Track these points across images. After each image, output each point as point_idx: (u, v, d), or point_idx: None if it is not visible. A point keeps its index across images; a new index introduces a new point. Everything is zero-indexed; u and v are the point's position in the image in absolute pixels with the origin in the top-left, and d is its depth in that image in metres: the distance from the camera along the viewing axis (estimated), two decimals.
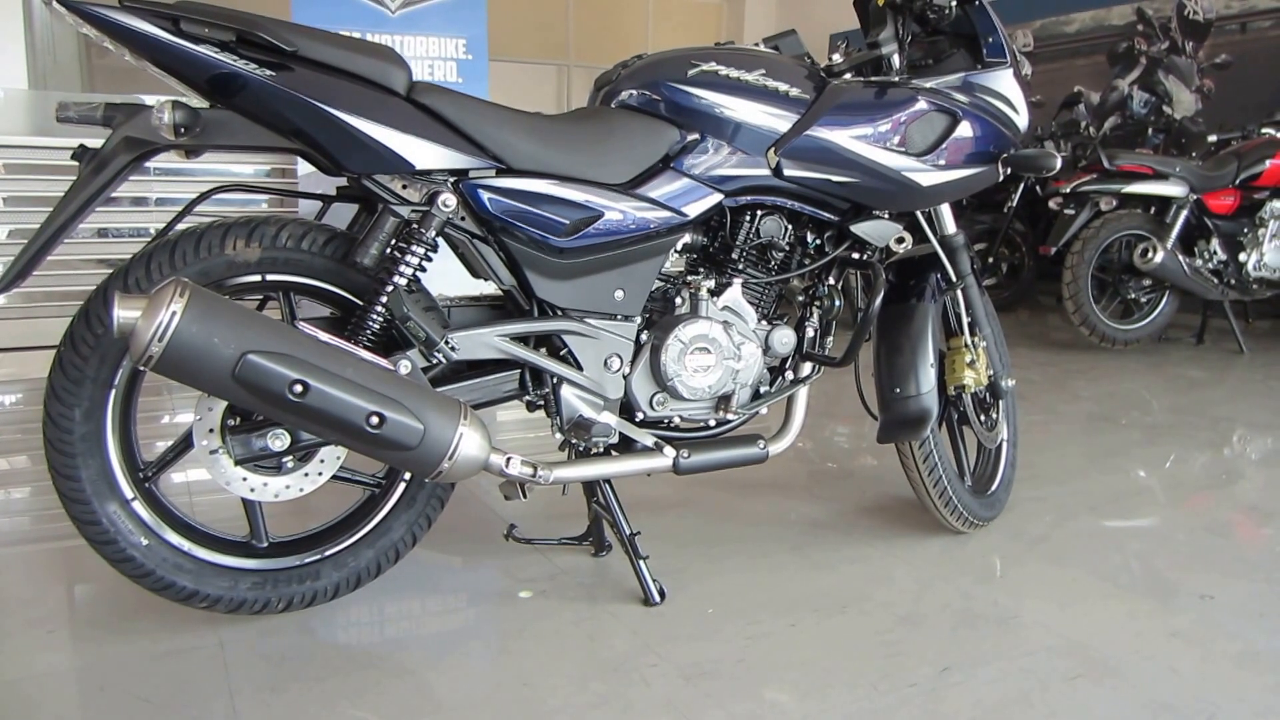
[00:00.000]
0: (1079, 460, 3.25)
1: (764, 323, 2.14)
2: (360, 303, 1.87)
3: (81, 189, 1.66)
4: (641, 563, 2.08)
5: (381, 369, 1.67)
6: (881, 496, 2.82)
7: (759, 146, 2.01)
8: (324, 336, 1.65)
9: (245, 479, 1.82)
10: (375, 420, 1.62)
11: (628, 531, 2.08)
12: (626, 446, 2.04)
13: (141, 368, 1.52)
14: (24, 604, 2.05)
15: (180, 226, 1.82)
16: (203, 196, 1.88)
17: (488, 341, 1.88)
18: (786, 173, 2.01)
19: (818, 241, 2.20)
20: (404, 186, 1.82)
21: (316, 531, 2.00)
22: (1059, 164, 2.16)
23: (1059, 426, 3.70)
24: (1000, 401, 2.53)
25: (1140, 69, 5.90)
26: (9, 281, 1.66)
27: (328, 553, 1.97)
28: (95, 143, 1.71)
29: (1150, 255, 4.90)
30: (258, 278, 1.82)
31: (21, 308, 4.45)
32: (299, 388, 1.57)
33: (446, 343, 1.80)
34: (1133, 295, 5.18)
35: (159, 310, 1.50)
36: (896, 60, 2.18)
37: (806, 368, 2.21)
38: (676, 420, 2.09)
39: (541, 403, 1.98)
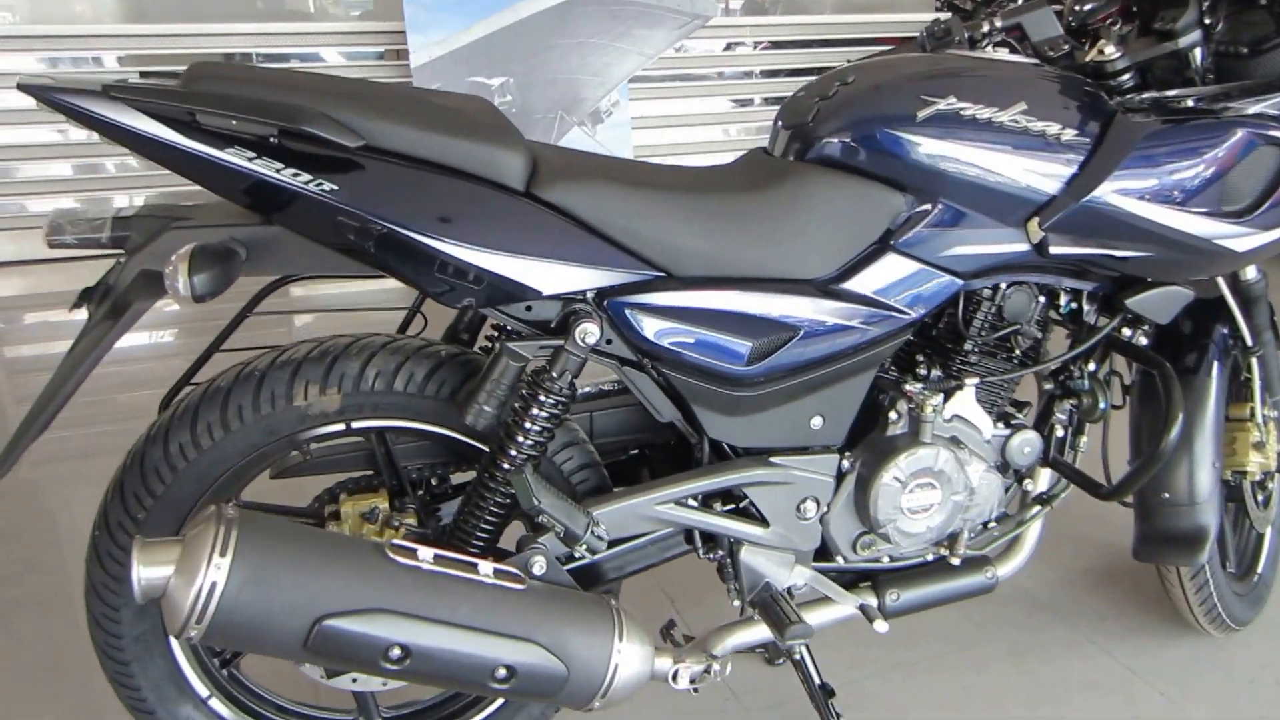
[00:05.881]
0: None
1: (1000, 425, 1.60)
2: (478, 445, 1.41)
3: (91, 347, 1.21)
4: None
5: (505, 595, 1.23)
6: (1109, 563, 2.31)
7: (1015, 215, 1.43)
8: (425, 561, 1.21)
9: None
10: (503, 674, 1.20)
11: (818, 682, 1.64)
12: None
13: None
14: None
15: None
16: (256, 299, 1.44)
17: (645, 514, 1.41)
18: (1053, 250, 1.43)
19: (1074, 312, 1.62)
20: (528, 308, 1.33)
21: (438, 700, 1.61)
22: None
23: None
24: None
25: None
26: (6, 466, 1.25)
27: None
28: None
29: None
30: (341, 426, 1.37)
31: None
32: (397, 652, 1.15)
33: (592, 531, 1.34)
34: None
35: (195, 575, 1.07)
36: (1199, 55, 1.54)
37: (1046, 476, 1.68)
38: (884, 560, 1.61)
39: (714, 559, 1.52)
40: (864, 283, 1.42)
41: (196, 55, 4.55)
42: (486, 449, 1.42)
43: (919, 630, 2.02)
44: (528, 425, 1.32)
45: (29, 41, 4.34)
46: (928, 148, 1.39)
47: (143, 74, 1.26)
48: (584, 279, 1.30)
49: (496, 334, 1.52)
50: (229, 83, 1.17)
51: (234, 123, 1.14)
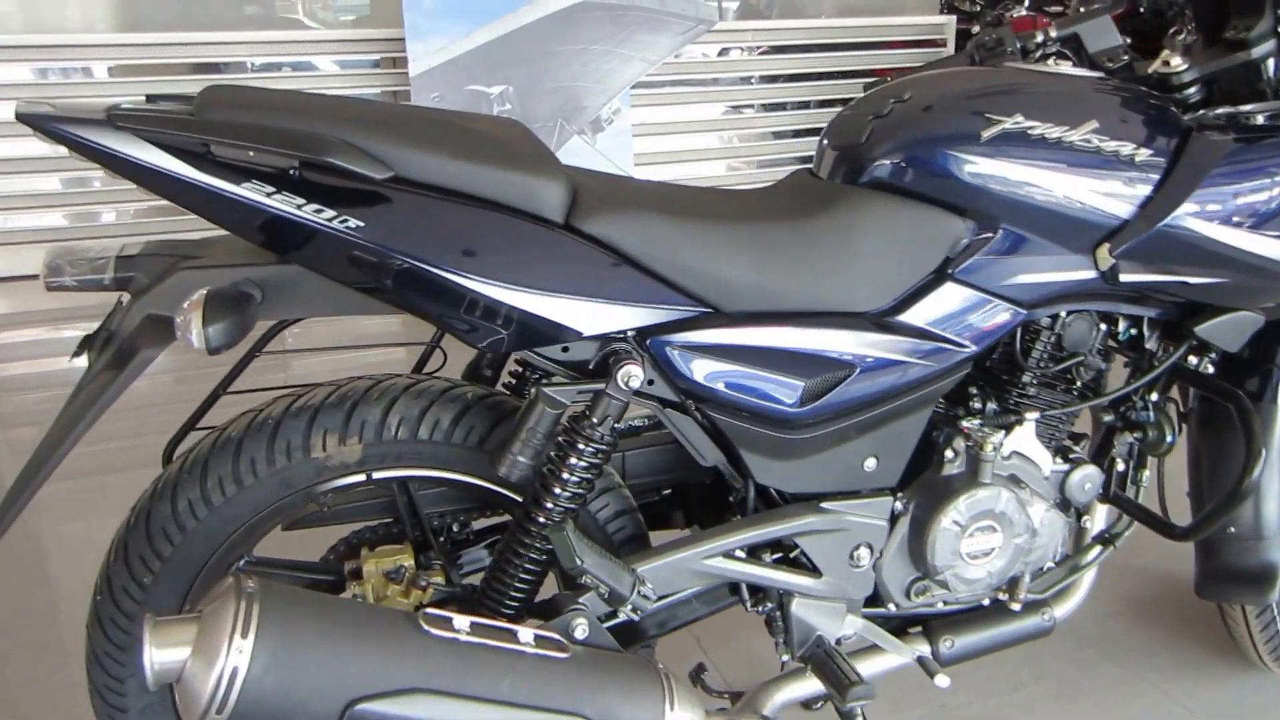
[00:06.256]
0: None
1: (1058, 460, 1.50)
2: (508, 494, 1.32)
3: (93, 399, 1.11)
4: None
5: (548, 666, 1.13)
6: (1151, 592, 2.22)
7: (1083, 241, 1.34)
8: (463, 632, 1.10)
9: None
10: None
11: None
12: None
13: None
14: None
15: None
16: (265, 338, 1.35)
17: (693, 569, 1.31)
18: (1124, 277, 1.34)
19: (1133, 339, 1.53)
20: (564, 349, 1.23)
21: None
22: None
23: None
24: None
25: None
26: (2, 526, 1.14)
27: None
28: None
29: None
30: (361, 477, 1.27)
31: None
32: None
33: (638, 590, 1.23)
34: None
35: (214, 659, 0.97)
36: (1271, 66, 1.45)
37: (1103, 513, 1.58)
38: (938, 605, 1.51)
39: (761, 611, 1.43)
40: (921, 314, 1.33)
41: (188, 65, 4.44)
42: (517, 497, 1.32)
43: (964, 670, 1.92)
44: (565, 476, 1.22)
45: (16, 51, 4.22)
46: (992, 169, 1.29)
47: (149, 98, 1.16)
48: (627, 318, 1.20)
49: (523, 371, 1.43)
50: (245, 109, 1.07)
51: (251, 154, 1.04)
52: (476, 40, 4.28)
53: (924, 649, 1.50)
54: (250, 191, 1.06)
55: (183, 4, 4.58)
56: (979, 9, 5.67)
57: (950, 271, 1.33)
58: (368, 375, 1.32)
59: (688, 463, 1.44)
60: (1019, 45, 1.57)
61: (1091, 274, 1.35)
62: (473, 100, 4.45)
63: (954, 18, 5.65)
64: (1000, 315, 1.35)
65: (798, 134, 5.64)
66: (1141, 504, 1.56)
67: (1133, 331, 1.53)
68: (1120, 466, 1.57)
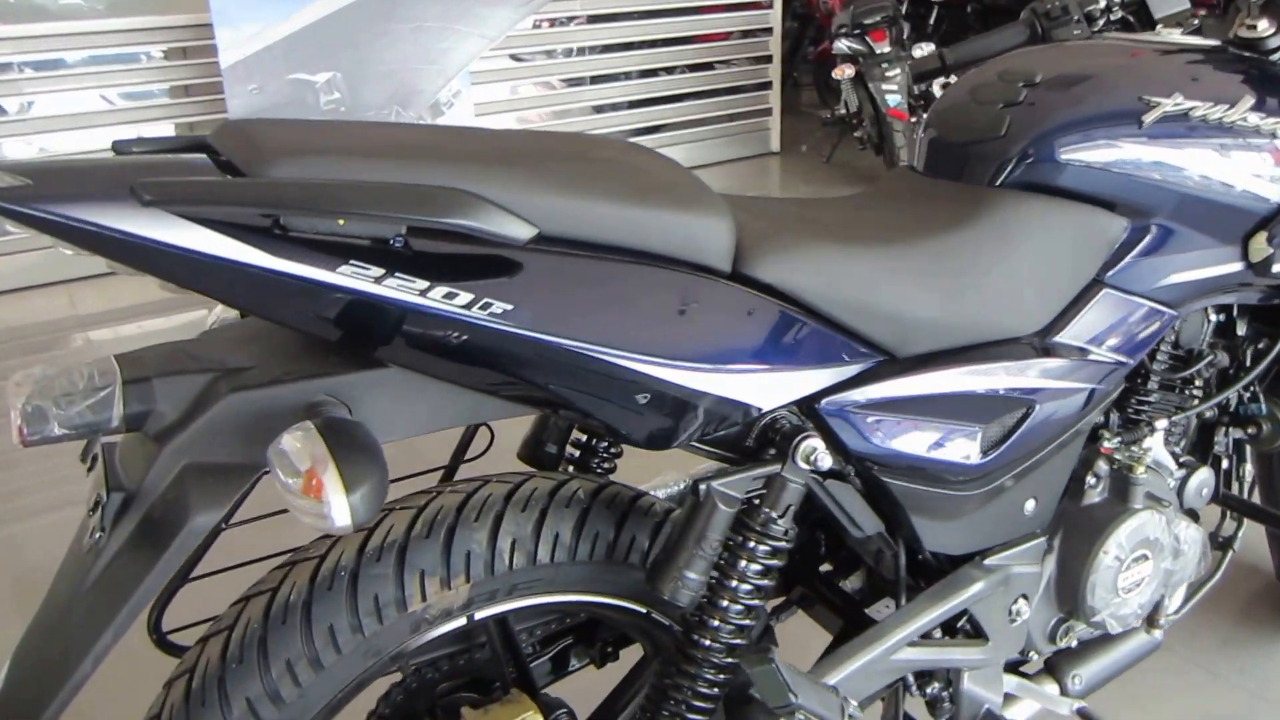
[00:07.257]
0: None
1: (1178, 468, 1.38)
2: (633, 607, 1.05)
3: (128, 589, 0.76)
4: None
5: None
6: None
7: (1236, 232, 1.20)
8: None
9: None
10: None
11: None
12: None
13: None
14: None
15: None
16: None
17: (883, 668, 1.09)
18: (1277, 268, 1.20)
19: (1220, 326, 1.41)
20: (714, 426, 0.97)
21: None
22: None
23: None
24: None
25: None
26: None
27: None
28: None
29: None
30: (462, 621, 0.97)
31: None
32: None
33: (846, 713, 1.00)
34: None
35: None
36: None
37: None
38: (1074, 643, 1.36)
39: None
40: (1080, 331, 1.15)
41: None
42: (640, 608, 1.06)
43: None
44: (736, 585, 0.97)
45: None
46: (1154, 157, 1.13)
47: (117, 148, 0.81)
48: (806, 382, 0.96)
49: (587, 442, 1.18)
50: (312, 158, 0.75)
51: (341, 222, 0.72)
52: (297, 23, 3.80)
53: (1052, 689, 1.35)
54: (352, 278, 0.74)
55: None
56: None
57: (1102, 278, 1.16)
58: (439, 480, 1.02)
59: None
60: (1084, 12, 1.41)
61: (1239, 266, 1.22)
62: (296, 90, 3.97)
63: None
64: (1155, 321, 1.19)
65: (632, 105, 5.42)
66: (1254, 502, 1.45)
67: (1219, 319, 1.41)
68: (1224, 465, 1.46)
